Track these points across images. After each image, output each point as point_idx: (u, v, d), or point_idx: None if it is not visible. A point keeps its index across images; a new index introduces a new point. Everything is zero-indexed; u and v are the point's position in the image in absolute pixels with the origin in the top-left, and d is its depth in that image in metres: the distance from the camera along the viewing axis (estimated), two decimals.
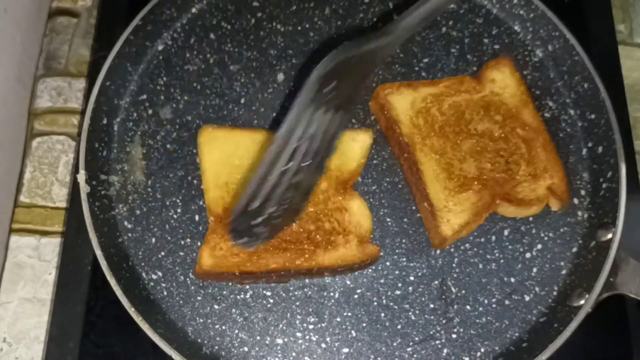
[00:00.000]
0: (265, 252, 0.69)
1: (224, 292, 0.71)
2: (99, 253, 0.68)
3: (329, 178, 0.73)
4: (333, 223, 0.71)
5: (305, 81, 0.62)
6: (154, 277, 0.72)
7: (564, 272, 0.73)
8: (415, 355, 0.69)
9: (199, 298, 0.71)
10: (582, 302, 0.68)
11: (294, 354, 0.69)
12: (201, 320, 0.70)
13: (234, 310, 0.71)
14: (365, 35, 0.66)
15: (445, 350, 0.69)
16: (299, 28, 0.84)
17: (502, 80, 0.78)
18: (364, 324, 0.70)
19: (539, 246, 0.74)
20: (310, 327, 0.70)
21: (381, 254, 0.73)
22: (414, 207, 0.75)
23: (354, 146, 0.74)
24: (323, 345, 0.70)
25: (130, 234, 0.74)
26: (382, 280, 0.72)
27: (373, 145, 0.77)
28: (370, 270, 0.72)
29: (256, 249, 0.69)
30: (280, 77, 0.81)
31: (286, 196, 0.64)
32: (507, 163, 0.74)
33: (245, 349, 0.69)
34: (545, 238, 0.74)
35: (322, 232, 0.71)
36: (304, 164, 0.63)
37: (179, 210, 0.75)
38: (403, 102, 0.76)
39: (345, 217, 0.72)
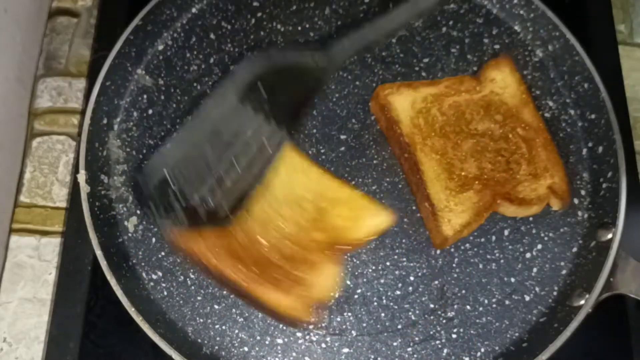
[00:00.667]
0: (227, 257, 0.67)
1: (224, 292, 0.71)
2: (99, 253, 0.68)
3: (329, 233, 0.69)
4: (300, 273, 0.68)
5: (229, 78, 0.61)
6: (154, 277, 0.72)
7: (564, 272, 0.73)
8: (415, 355, 0.69)
9: (199, 298, 0.71)
10: (582, 302, 0.68)
11: (294, 354, 0.69)
12: (201, 320, 0.70)
13: (234, 310, 0.71)
14: (297, 48, 0.64)
15: (445, 350, 0.69)
16: (299, 28, 0.84)
17: (502, 80, 0.78)
18: (364, 324, 0.70)
19: (539, 246, 0.74)
20: (311, 327, 0.70)
21: (381, 253, 0.73)
22: (414, 207, 0.75)
23: (373, 221, 0.71)
24: (323, 345, 0.70)
25: (130, 234, 0.74)
26: (382, 280, 0.72)
27: (375, 149, 0.77)
28: (370, 270, 0.72)
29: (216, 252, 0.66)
30: None
31: (210, 193, 0.61)
32: (508, 163, 0.74)
33: (245, 349, 0.69)
34: (545, 238, 0.74)
35: (283, 273, 0.67)
36: (236, 170, 0.61)
37: None
38: (403, 102, 0.76)
39: (313, 275, 0.68)
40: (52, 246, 0.78)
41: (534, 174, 0.74)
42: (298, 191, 0.71)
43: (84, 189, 0.71)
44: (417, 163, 0.73)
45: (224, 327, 0.70)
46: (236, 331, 0.70)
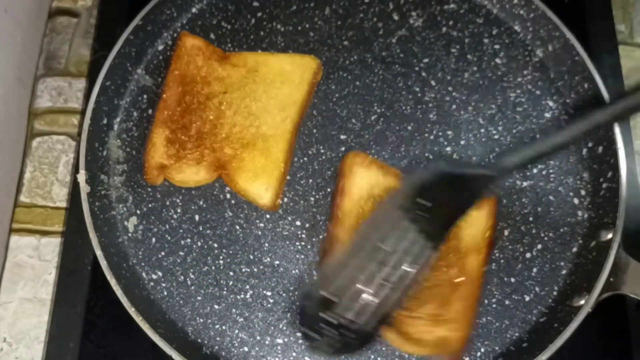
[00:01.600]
0: None
1: (224, 292, 0.71)
2: (99, 253, 0.68)
3: None
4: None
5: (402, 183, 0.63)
6: (154, 277, 0.72)
7: (564, 272, 0.73)
8: (415, 356, 0.69)
9: (199, 298, 0.71)
10: (582, 302, 0.68)
11: (294, 354, 0.69)
12: (201, 320, 0.70)
13: (234, 310, 0.71)
14: (465, 163, 0.66)
15: None
16: (299, 28, 0.84)
17: (475, 217, 0.71)
18: None
19: (539, 246, 0.74)
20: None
21: None
22: None
23: None
24: None
25: (130, 234, 0.74)
26: None
27: (375, 149, 0.77)
28: None
29: None
30: None
31: (360, 309, 0.61)
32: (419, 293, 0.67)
33: (245, 349, 0.69)
34: (545, 238, 0.74)
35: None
36: (393, 279, 0.61)
37: (179, 210, 0.75)
38: (364, 179, 0.72)
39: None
40: (52, 246, 0.78)
41: (436, 318, 0.67)
42: (265, 117, 0.75)
43: (84, 189, 0.71)
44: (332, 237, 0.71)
45: (224, 327, 0.70)
46: (236, 331, 0.70)
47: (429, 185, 0.64)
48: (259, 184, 0.72)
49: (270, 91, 0.76)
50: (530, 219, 0.75)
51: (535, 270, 0.73)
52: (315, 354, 0.68)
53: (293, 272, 0.72)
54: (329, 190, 0.76)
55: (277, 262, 0.73)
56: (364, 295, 0.62)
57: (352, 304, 0.62)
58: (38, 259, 0.78)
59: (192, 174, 0.73)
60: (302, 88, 0.77)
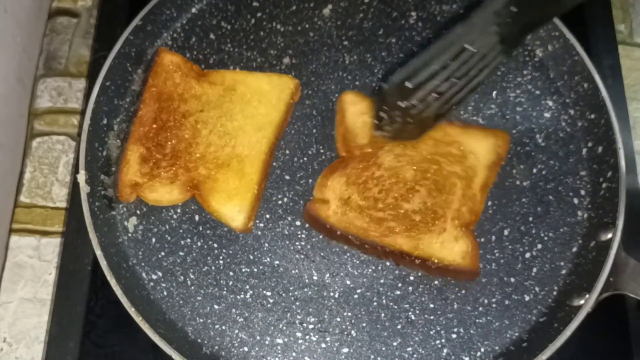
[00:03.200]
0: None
1: (224, 292, 0.71)
2: (99, 253, 0.68)
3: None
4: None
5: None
6: (154, 277, 0.72)
7: (564, 272, 0.73)
8: (415, 355, 0.69)
9: (199, 298, 0.71)
10: (582, 302, 0.68)
11: (294, 354, 0.69)
12: (201, 320, 0.70)
13: (234, 310, 0.71)
14: None
15: (445, 350, 0.69)
16: (299, 28, 0.84)
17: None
18: (364, 324, 0.70)
19: (539, 246, 0.74)
20: (310, 327, 0.70)
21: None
22: None
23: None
24: (323, 345, 0.70)
25: (130, 234, 0.74)
26: (382, 280, 0.72)
27: None
28: (370, 270, 0.72)
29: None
30: None
31: (430, 99, 0.66)
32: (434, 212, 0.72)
33: (245, 349, 0.69)
34: (545, 238, 0.74)
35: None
36: (462, 71, 0.65)
37: (179, 210, 0.75)
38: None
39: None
40: (52, 246, 0.78)
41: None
42: (241, 138, 0.75)
43: (84, 189, 0.71)
44: None
45: (224, 327, 0.70)
46: (236, 331, 0.70)
47: None
48: (232, 205, 0.72)
49: (246, 110, 0.76)
50: (530, 219, 0.75)
51: (535, 270, 0.73)
52: (378, 132, 0.72)
53: (293, 272, 0.72)
54: None
55: (277, 262, 0.73)
56: (438, 89, 0.66)
57: (426, 95, 0.66)
58: (38, 259, 0.78)
59: (165, 193, 0.72)
60: (279, 108, 0.76)
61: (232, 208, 0.72)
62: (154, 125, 0.74)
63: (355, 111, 0.76)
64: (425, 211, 0.72)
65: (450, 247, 0.71)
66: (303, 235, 0.74)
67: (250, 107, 0.76)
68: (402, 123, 0.69)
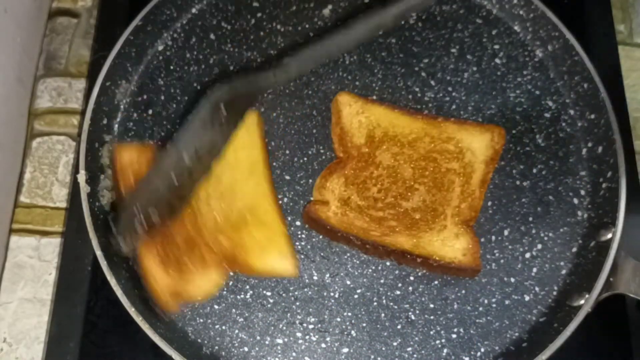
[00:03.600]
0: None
1: (224, 292, 0.71)
2: (99, 253, 0.68)
3: (234, 245, 0.69)
4: (188, 262, 0.68)
5: (200, 105, 0.65)
6: None
7: (564, 272, 0.73)
8: (415, 355, 0.69)
9: None
10: (582, 302, 0.68)
11: (294, 354, 0.69)
12: (201, 320, 0.70)
13: (234, 310, 0.71)
14: (259, 73, 0.68)
15: (445, 350, 0.69)
16: (299, 28, 0.84)
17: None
18: (364, 324, 0.70)
19: (539, 246, 0.74)
20: (310, 327, 0.70)
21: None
22: None
23: (276, 262, 0.70)
24: (323, 345, 0.70)
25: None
26: (382, 280, 0.72)
27: None
28: (370, 270, 0.72)
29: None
30: None
31: (163, 200, 0.66)
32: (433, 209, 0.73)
33: (245, 349, 0.69)
34: (545, 238, 0.74)
35: (174, 252, 0.68)
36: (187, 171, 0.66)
37: None
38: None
39: (197, 271, 0.68)
40: (52, 246, 0.78)
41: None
42: (237, 189, 0.72)
43: (84, 189, 0.71)
44: None
45: (224, 327, 0.70)
46: (236, 331, 0.70)
47: (226, 99, 0.67)
48: (272, 257, 0.69)
49: (228, 165, 0.71)
50: (530, 219, 0.75)
51: (535, 270, 0.73)
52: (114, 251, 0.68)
53: None
54: None
55: None
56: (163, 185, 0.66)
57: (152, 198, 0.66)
58: (38, 259, 0.78)
59: (205, 282, 0.68)
60: (256, 146, 0.74)
61: (274, 259, 0.69)
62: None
63: (351, 112, 0.76)
64: (425, 209, 0.72)
65: (451, 244, 0.71)
66: (303, 235, 0.74)
67: (229, 161, 0.71)
68: (140, 237, 0.66)
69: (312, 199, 0.75)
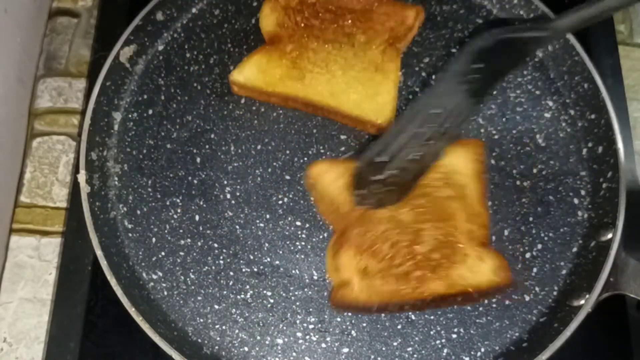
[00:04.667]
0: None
1: (224, 292, 0.71)
2: (99, 253, 0.69)
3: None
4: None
5: (459, 52, 0.64)
6: (154, 277, 0.72)
7: (564, 272, 0.73)
8: (415, 355, 0.69)
9: (199, 298, 0.71)
10: (582, 302, 0.68)
11: (294, 354, 0.69)
12: (201, 320, 0.70)
13: (234, 310, 0.71)
14: (522, 25, 0.67)
15: (445, 350, 0.70)
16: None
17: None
18: (364, 324, 0.70)
19: (539, 246, 0.74)
20: (310, 327, 0.70)
21: None
22: None
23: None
24: (323, 345, 0.70)
25: (130, 234, 0.74)
26: None
27: None
28: None
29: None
30: None
31: (406, 165, 0.66)
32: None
33: (245, 349, 0.69)
34: (545, 238, 0.74)
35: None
36: (434, 135, 0.66)
37: (179, 210, 0.75)
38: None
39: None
40: (52, 246, 0.78)
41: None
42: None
43: (84, 189, 0.71)
44: None
45: (224, 327, 0.70)
46: (236, 331, 0.70)
47: (485, 50, 0.66)
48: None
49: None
50: (530, 219, 0.75)
51: (535, 270, 0.73)
52: (360, 206, 0.70)
53: (293, 272, 0.72)
54: None
55: (277, 262, 0.73)
56: (411, 156, 0.66)
57: (400, 163, 0.66)
58: (38, 259, 0.78)
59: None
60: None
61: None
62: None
63: (330, 180, 0.72)
64: (440, 246, 0.69)
65: (479, 269, 0.69)
66: (303, 235, 0.74)
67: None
68: (383, 192, 0.68)
69: (312, 198, 0.75)
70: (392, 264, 0.69)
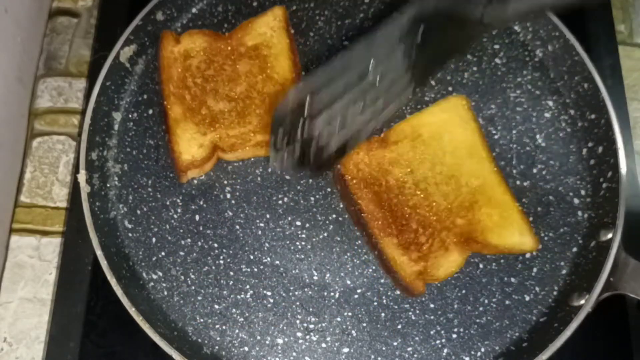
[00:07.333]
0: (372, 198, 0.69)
1: (224, 292, 0.71)
2: (99, 253, 0.69)
3: (471, 225, 0.70)
4: (429, 246, 0.70)
5: (395, 18, 0.61)
6: (154, 277, 0.72)
7: (564, 272, 0.73)
8: (415, 355, 0.69)
9: (199, 298, 0.71)
10: (582, 302, 0.68)
11: (294, 354, 0.69)
12: (201, 320, 0.70)
13: (234, 310, 0.71)
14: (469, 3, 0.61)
15: (445, 350, 0.70)
16: (299, 28, 0.84)
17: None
18: (364, 324, 0.70)
19: (539, 246, 0.74)
20: (311, 327, 0.70)
21: None
22: None
23: (517, 239, 0.70)
24: (323, 345, 0.70)
25: (130, 234, 0.74)
26: (382, 280, 0.72)
27: None
28: (370, 270, 0.72)
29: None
30: None
31: (331, 130, 0.62)
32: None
33: (246, 349, 0.69)
34: (545, 238, 0.74)
35: (413, 238, 0.70)
36: (366, 100, 0.62)
37: (179, 210, 0.75)
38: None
39: (439, 254, 0.69)
40: (52, 246, 0.79)
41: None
42: (464, 171, 0.72)
43: (84, 189, 0.71)
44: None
45: (224, 327, 0.70)
46: (236, 331, 0.70)
47: (428, 19, 0.62)
48: (511, 234, 0.69)
49: (446, 147, 0.73)
50: (531, 219, 0.75)
51: (535, 270, 0.73)
52: (273, 164, 0.67)
53: (293, 272, 0.73)
54: (328, 190, 0.76)
55: (277, 262, 0.73)
56: (336, 122, 0.62)
57: (323, 124, 0.62)
58: (38, 259, 0.78)
59: (450, 263, 0.69)
60: (470, 127, 0.74)
61: (514, 236, 0.69)
62: (383, 212, 0.71)
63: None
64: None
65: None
66: (303, 235, 0.74)
67: (444, 141, 0.73)
68: (300, 158, 0.64)
69: (312, 198, 0.75)
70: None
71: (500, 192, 0.71)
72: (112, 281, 0.67)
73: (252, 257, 0.73)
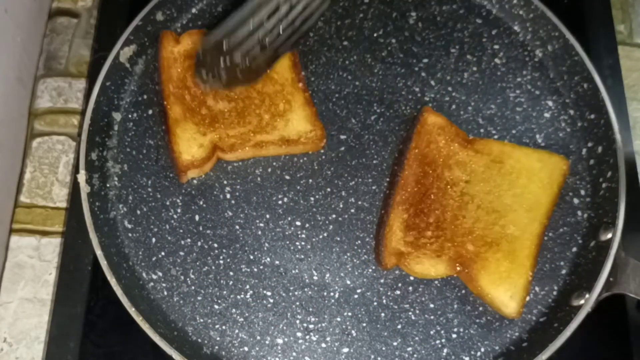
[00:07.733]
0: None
1: (224, 292, 0.71)
2: (99, 253, 0.69)
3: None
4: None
5: None
6: (154, 277, 0.72)
7: (564, 272, 0.73)
8: (415, 355, 0.69)
9: (199, 298, 0.71)
10: (582, 302, 0.68)
11: (294, 354, 0.69)
12: (201, 320, 0.70)
13: (234, 310, 0.71)
14: None
15: (445, 350, 0.70)
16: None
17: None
18: (364, 324, 0.70)
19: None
20: (311, 327, 0.70)
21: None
22: None
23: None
24: (323, 345, 0.70)
25: (130, 234, 0.74)
26: (382, 280, 0.72)
27: (375, 149, 0.77)
28: (370, 270, 0.72)
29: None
30: None
31: (255, 51, 0.67)
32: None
33: (245, 349, 0.69)
34: (545, 238, 0.74)
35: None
36: (284, 23, 0.66)
37: (179, 210, 0.75)
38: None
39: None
40: (52, 246, 0.79)
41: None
42: (511, 216, 0.71)
43: (84, 189, 0.71)
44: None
45: (224, 327, 0.70)
46: (236, 331, 0.70)
47: None
48: (504, 290, 0.68)
49: (515, 188, 0.72)
50: None
51: (535, 270, 0.73)
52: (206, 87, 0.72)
53: (293, 272, 0.73)
54: (328, 190, 0.76)
55: (277, 262, 0.73)
56: (261, 43, 0.67)
57: (248, 50, 0.67)
58: (38, 259, 0.78)
59: (430, 267, 0.69)
60: (551, 190, 0.72)
61: (504, 293, 0.68)
62: (416, 189, 0.71)
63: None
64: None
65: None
66: (303, 235, 0.74)
67: (519, 185, 0.72)
68: (230, 77, 0.69)
69: (312, 198, 0.75)
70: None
71: (525, 255, 0.69)
72: (112, 281, 0.67)
73: (251, 257, 0.73)
